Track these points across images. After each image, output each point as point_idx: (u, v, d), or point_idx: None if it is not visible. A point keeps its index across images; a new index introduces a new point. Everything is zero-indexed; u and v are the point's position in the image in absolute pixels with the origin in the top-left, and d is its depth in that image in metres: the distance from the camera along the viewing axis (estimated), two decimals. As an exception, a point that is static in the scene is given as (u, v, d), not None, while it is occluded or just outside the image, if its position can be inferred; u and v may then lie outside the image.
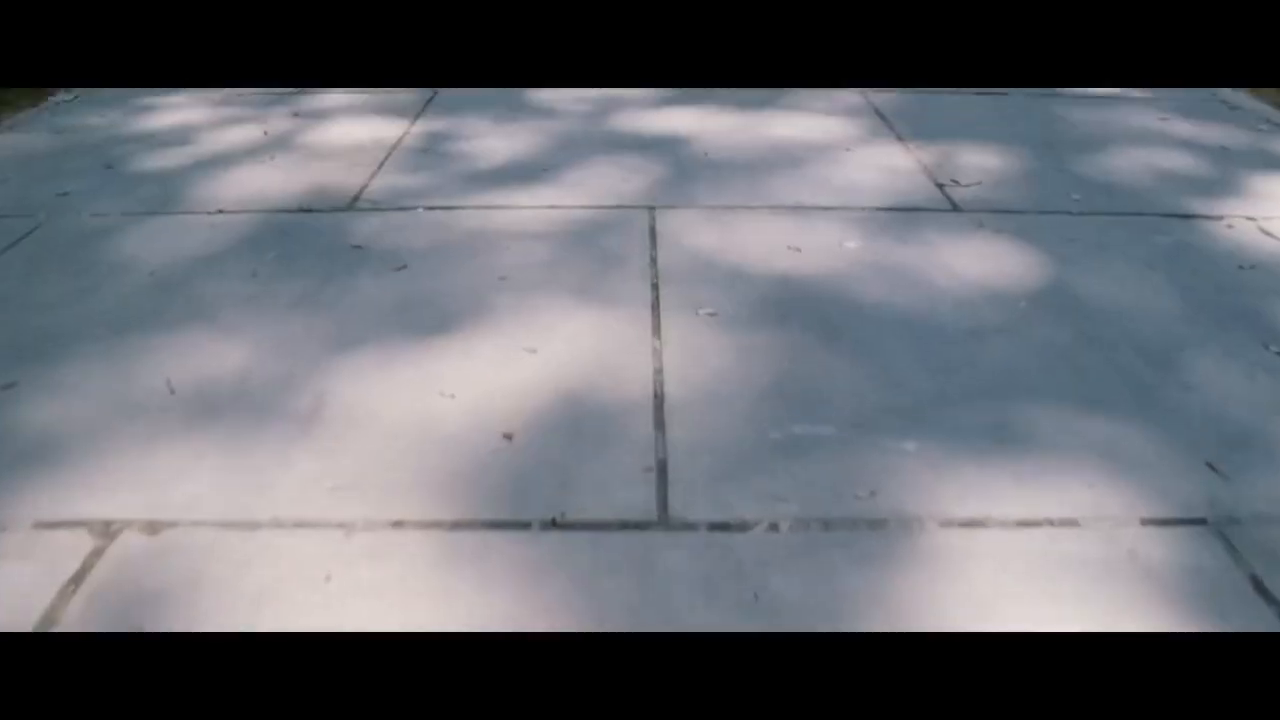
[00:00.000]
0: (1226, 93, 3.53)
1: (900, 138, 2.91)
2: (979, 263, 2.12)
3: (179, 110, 3.28)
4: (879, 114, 3.14)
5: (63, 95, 3.57)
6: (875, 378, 1.69)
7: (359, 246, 2.19)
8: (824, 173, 2.61)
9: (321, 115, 3.17)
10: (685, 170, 2.62)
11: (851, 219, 2.32)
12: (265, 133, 3.01)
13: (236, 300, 1.98)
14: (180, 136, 3.01)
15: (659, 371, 1.70)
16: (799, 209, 2.37)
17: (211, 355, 1.79)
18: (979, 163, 2.72)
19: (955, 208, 2.41)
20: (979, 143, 2.89)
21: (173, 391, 1.69)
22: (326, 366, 1.74)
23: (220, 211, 2.42)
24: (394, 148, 2.83)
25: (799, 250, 2.15)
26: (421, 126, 3.02)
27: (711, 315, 1.88)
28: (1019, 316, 1.91)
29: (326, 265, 2.11)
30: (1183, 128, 3.10)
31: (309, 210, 2.41)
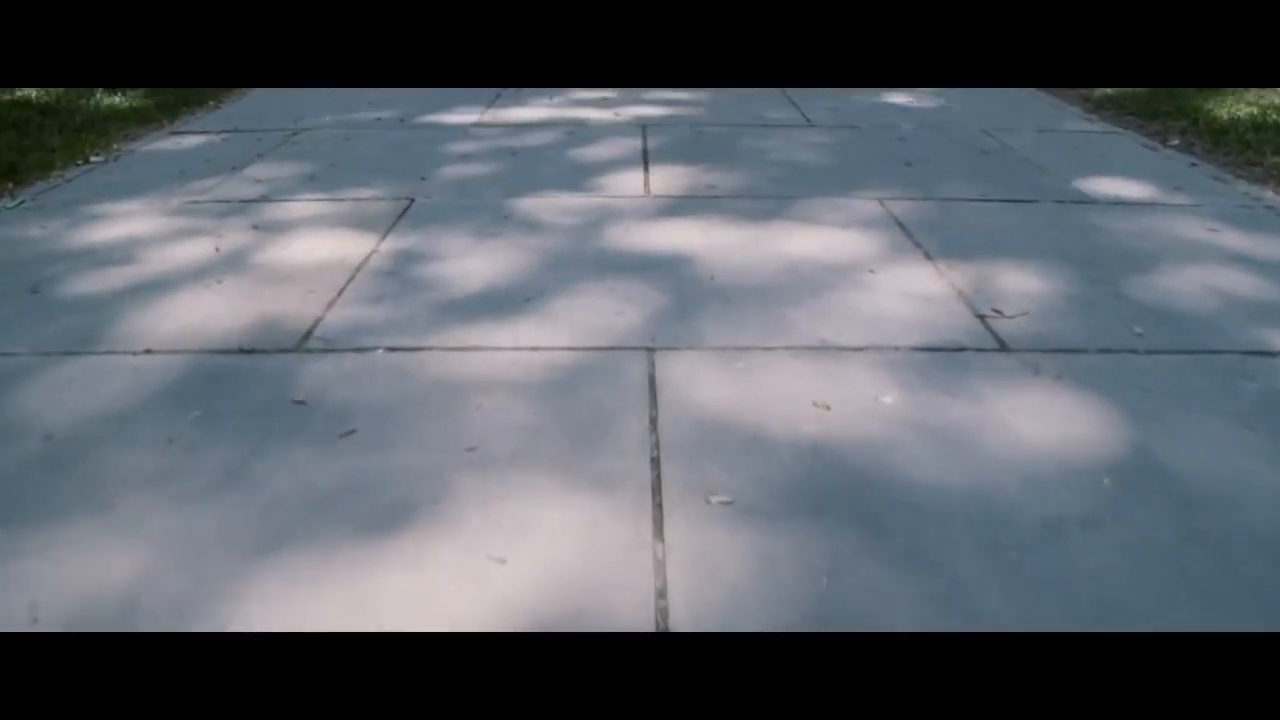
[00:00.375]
0: (1270, 196, 3.26)
1: (928, 255, 2.60)
2: (1043, 423, 1.77)
3: (129, 220, 2.97)
4: (900, 225, 2.84)
5: (6, 201, 3.27)
6: (940, 602, 1.32)
7: (301, 402, 1.84)
8: (848, 301, 2.29)
9: (283, 227, 2.86)
10: (688, 298, 2.30)
11: (885, 363, 1.98)
12: (217, 249, 2.69)
13: (143, 480, 1.61)
14: (123, 253, 2.69)
15: (662, 594, 1.33)
16: (824, 350, 2.04)
17: (97, 563, 1.41)
18: (1020, 286, 2.41)
19: (1003, 346, 2.08)
20: (1015, 260, 2.58)
21: (35, 620, 1.31)
22: (238, 583, 1.36)
23: (148, 351, 2.07)
24: (358, 269, 2.50)
25: (827, 408, 1.80)
26: (392, 242, 2.70)
27: (726, 505, 1.52)
28: (1104, 501, 1.55)
29: (259, 429, 1.75)
30: (1234, 240, 2.80)
31: (250, 351, 2.06)
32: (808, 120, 4.27)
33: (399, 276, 2.45)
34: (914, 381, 1.91)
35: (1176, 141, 4.04)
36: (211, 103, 4.93)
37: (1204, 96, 4.67)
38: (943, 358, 2.02)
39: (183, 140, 4.09)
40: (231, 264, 2.58)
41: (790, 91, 4.96)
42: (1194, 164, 3.68)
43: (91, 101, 4.75)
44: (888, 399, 1.84)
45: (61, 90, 4.94)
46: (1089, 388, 1.91)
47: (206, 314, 2.26)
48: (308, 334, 2.13)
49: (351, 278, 2.45)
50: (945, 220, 2.91)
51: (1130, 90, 4.87)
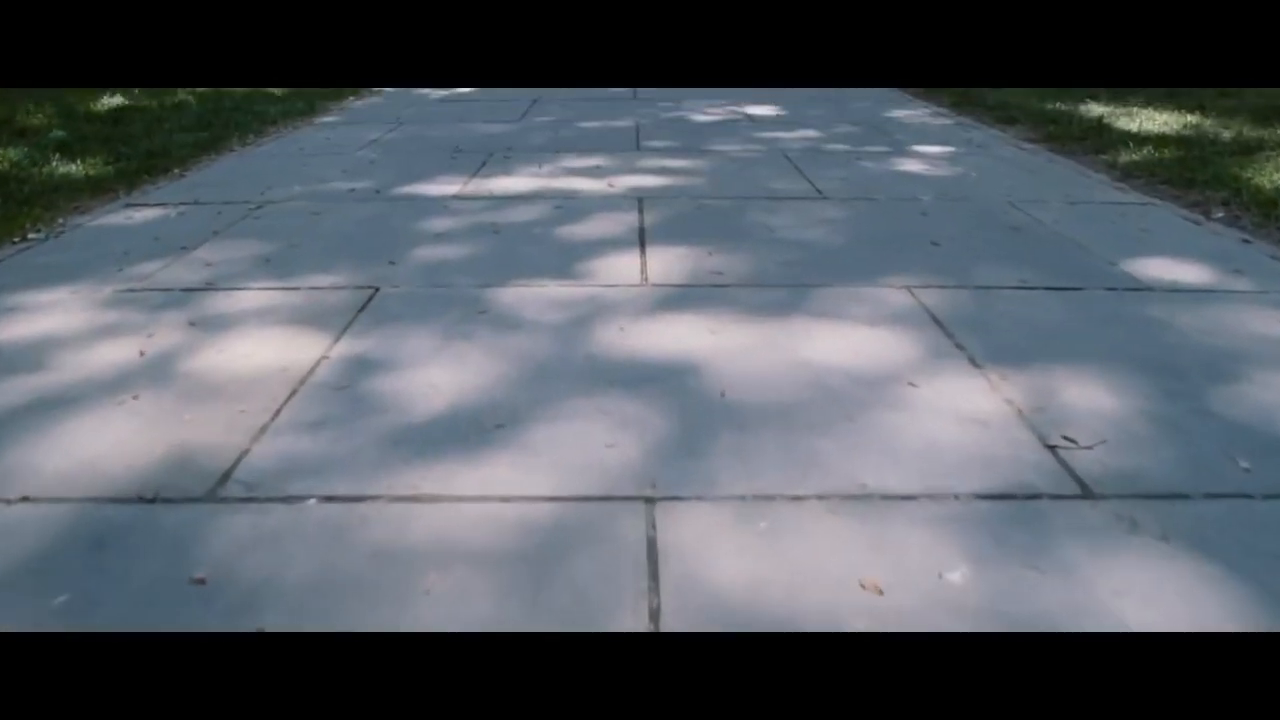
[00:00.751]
0: (1340, 281, 2.90)
1: (974, 361, 2.22)
2: (1159, 612, 1.36)
3: (51, 313, 2.59)
4: (936, 321, 2.47)
5: (-81, 289, 2.89)
6: None
7: (202, 581, 1.43)
8: (887, 426, 1.90)
9: (224, 324, 2.48)
10: (695, 424, 1.90)
11: (945, 519, 1.58)
12: (142, 353, 2.30)
13: (-33, 711, 1.20)
14: (31, 357, 2.30)
15: None
16: (866, 499, 1.64)
17: None
18: (1088, 402, 2.02)
19: (1086, 492, 1.68)
20: (1075, 367, 2.20)
21: None
22: None
23: (25, 499, 1.67)
24: (302, 381, 2.11)
25: (879, 591, 1.39)
26: (346, 345, 2.31)
27: (758, 761, 1.11)
28: (1271, 747, 1.15)
29: (140, 626, 1.34)
30: (1318, 335, 2.44)
31: (153, 500, 1.66)
32: (818, 191, 3.93)
33: (349, 392, 2.05)
34: (984, 547, 1.51)
35: (1221, 214, 3.71)
36: (176, 170, 4.60)
37: (1240, 164, 4.37)
38: (1014, 509, 1.62)
39: (136, 214, 3.74)
40: (155, 373, 2.19)
41: (795, 157, 4.65)
42: (1246, 240, 3.33)
43: (45, 170, 4.41)
44: (955, 575, 1.44)
45: (15, 158, 4.61)
46: (1204, 553, 1.51)
47: (110, 444, 1.86)
48: (227, 475, 1.73)
49: (293, 393, 2.05)
50: (986, 314, 2.53)
51: (1160, 156, 4.57)
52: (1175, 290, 2.77)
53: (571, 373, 2.13)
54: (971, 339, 2.35)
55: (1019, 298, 2.68)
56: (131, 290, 2.77)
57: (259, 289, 2.75)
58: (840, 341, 2.32)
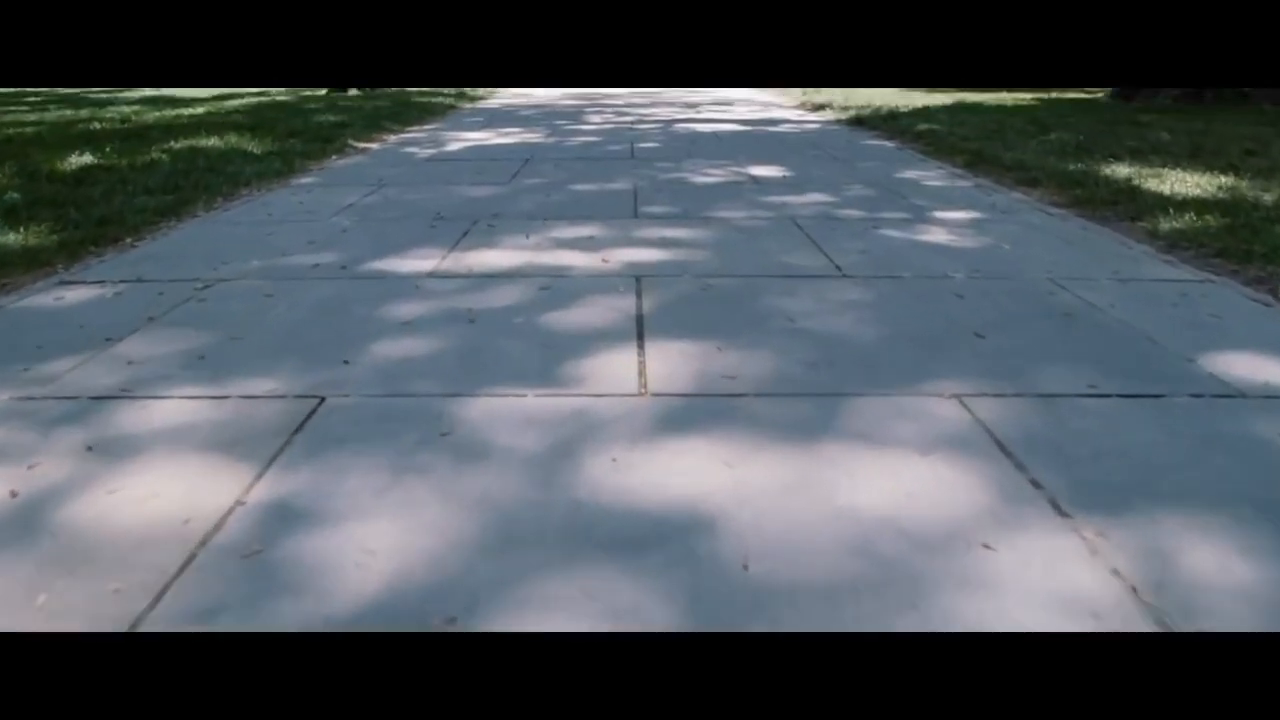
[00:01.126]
0: None
1: (1058, 507, 1.76)
2: None
3: (-75, 430, 2.14)
4: (998, 444, 2.02)
5: None
6: None
7: None
8: (965, 617, 1.43)
9: (128, 450, 2.02)
10: (712, 615, 1.42)
11: (1073, 793, 1.12)
12: (14, 493, 1.84)
13: None
14: (-121, 497, 1.84)
15: None
16: (955, 756, 1.18)
17: None
18: (1218, 573, 1.56)
19: (1258, 734, 1.22)
20: (1185, 513, 1.74)
21: None
22: None
23: None
24: (204, 543, 1.64)
25: None
26: (270, 484, 1.85)
27: None
28: None
29: None
30: None
31: (-46, 750, 1.19)
32: (837, 268, 3.51)
33: (260, 561, 1.58)
34: None
35: (1292, 294, 3.30)
36: (128, 240, 4.18)
37: (1296, 234, 3.97)
38: (1166, 769, 1.16)
39: (68, 293, 3.31)
40: (20, 525, 1.72)
41: (806, 225, 4.26)
42: (1330, 328, 2.91)
43: (-21, 241, 3.99)
44: None
45: (-49, 226, 4.20)
46: None
47: (-72, 645, 1.39)
48: (69, 704, 1.26)
49: (189, 560, 1.58)
50: (1058, 434, 2.08)
51: (1204, 224, 4.18)
52: (1272, 396, 2.33)
53: (549, 530, 1.66)
54: (1048, 472, 1.89)
55: (1092, 410, 2.23)
56: (30, 399, 2.32)
57: (181, 398, 2.30)
58: (887, 479, 1.86)
